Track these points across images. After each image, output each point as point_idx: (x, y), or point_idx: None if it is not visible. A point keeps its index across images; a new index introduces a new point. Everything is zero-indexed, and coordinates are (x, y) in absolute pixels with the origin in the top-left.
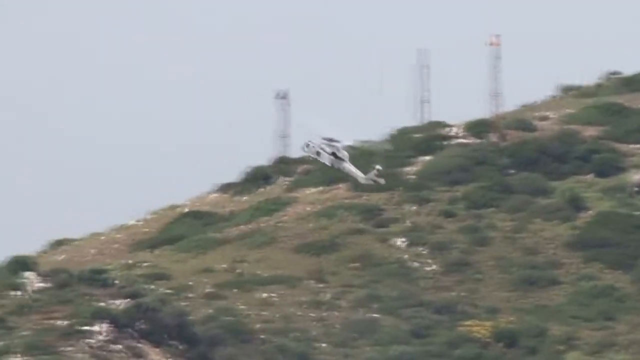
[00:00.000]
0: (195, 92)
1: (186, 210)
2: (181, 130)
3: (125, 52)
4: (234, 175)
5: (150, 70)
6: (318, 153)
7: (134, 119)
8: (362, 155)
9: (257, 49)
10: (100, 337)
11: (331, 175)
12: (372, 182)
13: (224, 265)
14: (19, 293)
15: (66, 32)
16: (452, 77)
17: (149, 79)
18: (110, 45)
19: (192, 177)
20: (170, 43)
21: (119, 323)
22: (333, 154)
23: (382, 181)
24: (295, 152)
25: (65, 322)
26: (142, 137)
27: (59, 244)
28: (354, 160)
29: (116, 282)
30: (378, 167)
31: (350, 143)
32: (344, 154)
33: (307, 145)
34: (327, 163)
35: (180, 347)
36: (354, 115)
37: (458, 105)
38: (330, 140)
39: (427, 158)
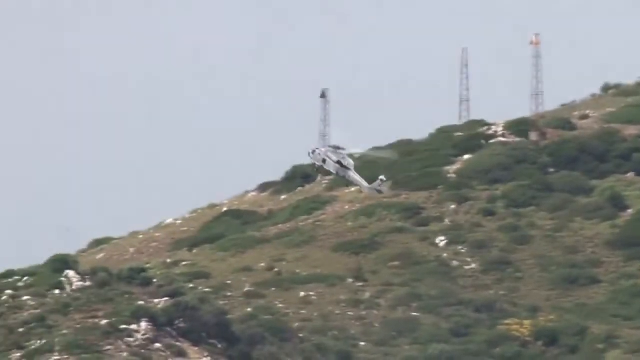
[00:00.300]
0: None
1: (225, 209)
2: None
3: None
4: (271, 173)
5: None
6: (324, 161)
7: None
8: (368, 164)
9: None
10: (140, 336)
11: (373, 174)
12: (375, 192)
13: (263, 264)
14: (59, 292)
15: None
16: (493, 76)
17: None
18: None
19: (231, 176)
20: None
21: (159, 322)
22: (339, 162)
23: (385, 189)
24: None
25: (106, 321)
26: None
27: (98, 243)
28: (359, 170)
29: (155, 280)
30: (382, 177)
31: (356, 151)
32: (350, 163)
33: (313, 152)
34: (333, 171)
35: (220, 345)
36: (391, 114)
37: (498, 104)
38: (337, 148)
39: (468, 157)
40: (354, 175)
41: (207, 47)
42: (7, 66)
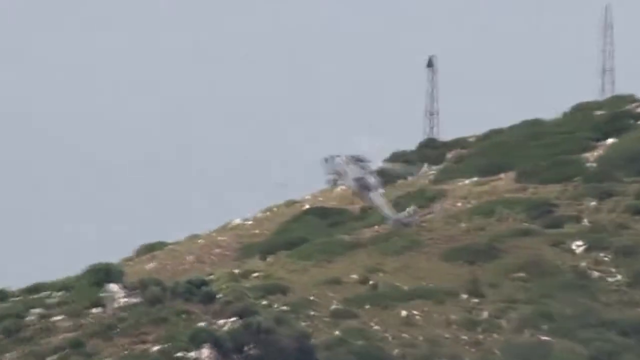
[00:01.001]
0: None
1: (307, 206)
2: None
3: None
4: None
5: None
6: (341, 173)
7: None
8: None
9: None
10: None
11: (491, 163)
12: (402, 226)
13: (355, 276)
14: (100, 310)
15: None
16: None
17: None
18: None
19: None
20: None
21: (224, 348)
22: (360, 179)
23: (416, 220)
24: (445, 133)
25: (158, 347)
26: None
27: (149, 249)
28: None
29: (220, 296)
30: (412, 207)
31: (382, 165)
32: (374, 181)
33: (329, 160)
34: (352, 189)
35: None
36: (513, 88)
37: None
38: (359, 160)
39: (612, 141)
40: (378, 198)
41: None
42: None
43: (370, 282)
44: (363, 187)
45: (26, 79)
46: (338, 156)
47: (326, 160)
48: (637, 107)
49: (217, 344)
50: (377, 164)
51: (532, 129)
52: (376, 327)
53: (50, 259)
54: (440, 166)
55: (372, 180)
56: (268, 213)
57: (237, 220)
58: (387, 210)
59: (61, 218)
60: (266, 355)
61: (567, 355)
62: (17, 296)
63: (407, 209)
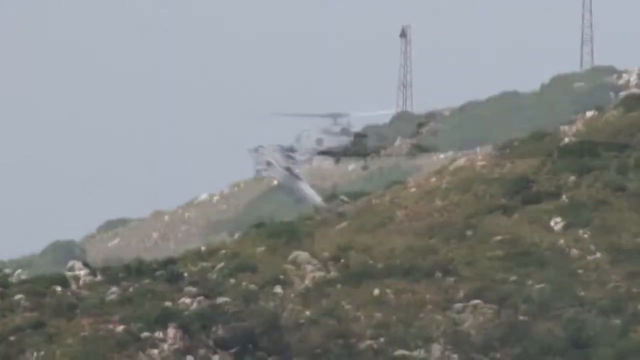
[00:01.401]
0: None
1: (276, 182)
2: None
3: None
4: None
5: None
6: (269, 163)
7: None
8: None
9: None
10: (167, 346)
11: (467, 136)
12: (331, 215)
13: (326, 254)
14: (62, 289)
15: None
16: (624, 10)
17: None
18: None
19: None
20: None
21: (191, 328)
22: (287, 168)
23: (346, 210)
24: (419, 107)
25: (122, 327)
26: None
27: (112, 225)
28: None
29: (186, 275)
30: (343, 197)
31: (306, 157)
32: (300, 172)
33: (256, 151)
34: (279, 178)
35: (270, 358)
36: (490, 59)
37: (632, 46)
38: (286, 150)
39: (591, 114)
40: (305, 188)
41: None
42: None
43: (342, 260)
44: (292, 176)
45: None
46: (262, 146)
47: (254, 150)
48: (617, 79)
49: (183, 324)
50: (304, 156)
51: (510, 102)
52: (348, 307)
53: (9, 235)
54: (414, 140)
55: (299, 169)
56: (235, 188)
57: (204, 196)
58: (316, 199)
59: (20, 193)
60: (234, 336)
61: (546, 337)
62: None
63: (340, 198)
